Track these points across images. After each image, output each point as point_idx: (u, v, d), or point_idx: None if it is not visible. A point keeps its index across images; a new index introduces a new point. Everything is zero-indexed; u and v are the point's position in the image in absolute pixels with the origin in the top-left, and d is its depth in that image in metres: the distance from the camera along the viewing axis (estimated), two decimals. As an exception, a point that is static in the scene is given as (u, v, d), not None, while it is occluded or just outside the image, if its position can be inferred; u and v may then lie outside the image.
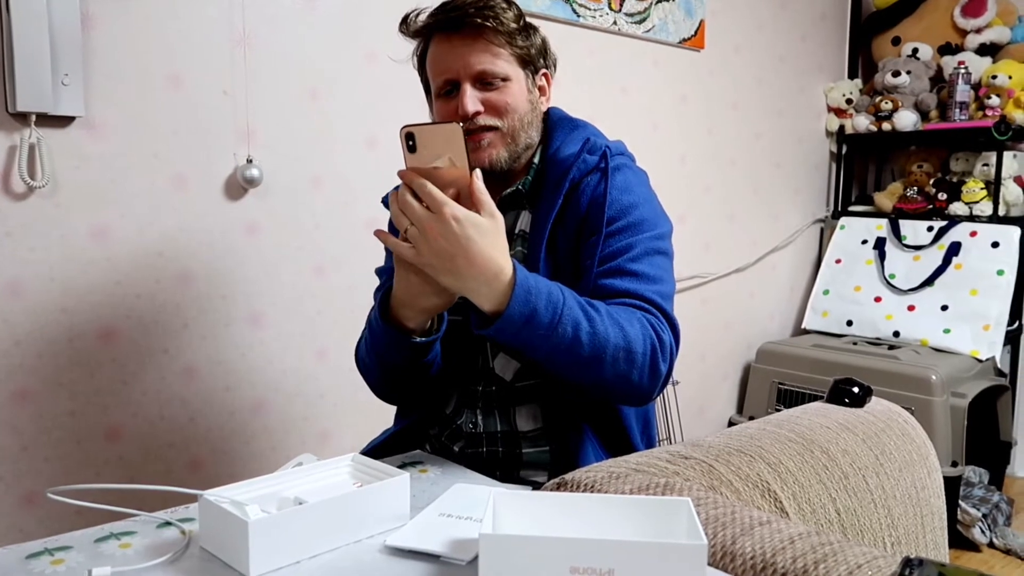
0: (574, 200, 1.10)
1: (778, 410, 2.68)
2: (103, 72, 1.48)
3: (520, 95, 1.11)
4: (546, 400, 1.12)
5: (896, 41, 3.10)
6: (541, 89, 1.17)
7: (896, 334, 2.76)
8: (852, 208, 3.19)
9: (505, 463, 1.14)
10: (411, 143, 0.90)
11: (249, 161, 1.66)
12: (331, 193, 1.80)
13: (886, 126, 2.99)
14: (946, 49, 2.97)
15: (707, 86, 2.69)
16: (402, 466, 1.01)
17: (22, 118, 1.39)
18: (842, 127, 3.16)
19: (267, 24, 1.68)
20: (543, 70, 1.17)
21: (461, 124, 0.85)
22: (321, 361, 1.84)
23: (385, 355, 1.05)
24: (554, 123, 1.18)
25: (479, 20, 1.06)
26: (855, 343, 2.75)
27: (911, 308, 2.77)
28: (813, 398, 2.56)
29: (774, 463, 0.98)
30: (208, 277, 1.65)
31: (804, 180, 3.17)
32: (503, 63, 1.09)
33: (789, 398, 2.69)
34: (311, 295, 1.80)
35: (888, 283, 2.85)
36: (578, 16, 2.24)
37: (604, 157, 1.11)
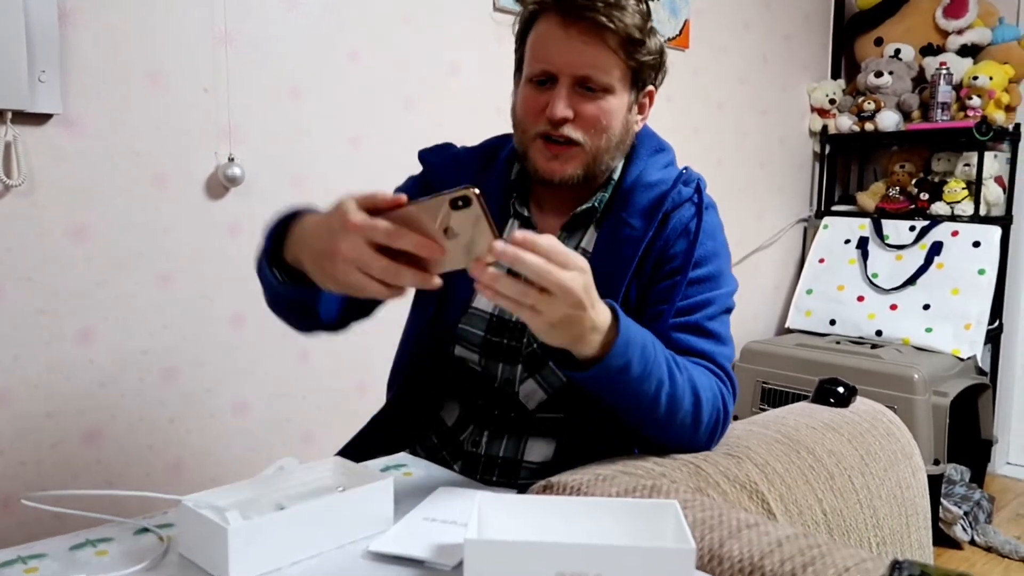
0: (660, 229, 1.03)
1: (763, 409, 2.69)
2: (81, 69, 1.45)
3: (618, 113, 1.01)
4: (564, 436, 1.07)
5: (879, 42, 3.12)
6: (641, 107, 1.06)
7: (879, 333, 2.77)
8: (835, 208, 3.21)
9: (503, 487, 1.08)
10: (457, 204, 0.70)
11: (231, 160, 1.63)
12: (313, 193, 1.78)
13: (869, 126, 3.00)
14: (928, 50, 2.99)
15: (692, 86, 2.69)
16: (385, 469, 1.00)
17: (-3, 115, 1.36)
18: (825, 127, 3.17)
19: (249, 21, 1.66)
20: (649, 86, 1.06)
21: (476, 192, 0.68)
22: (303, 362, 1.82)
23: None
24: (639, 140, 1.10)
25: (603, 19, 0.95)
26: (838, 342, 2.76)
27: (893, 307, 2.78)
28: (797, 397, 2.57)
29: (761, 464, 0.98)
30: (189, 277, 1.63)
31: (788, 180, 3.19)
32: (612, 74, 0.98)
33: (773, 397, 2.70)
34: (294, 295, 1.78)
35: (871, 282, 2.87)
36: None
37: (699, 191, 1.05)
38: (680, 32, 2.59)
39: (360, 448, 1.18)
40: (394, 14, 1.89)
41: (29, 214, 1.42)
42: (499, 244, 0.70)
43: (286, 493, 0.79)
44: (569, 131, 0.99)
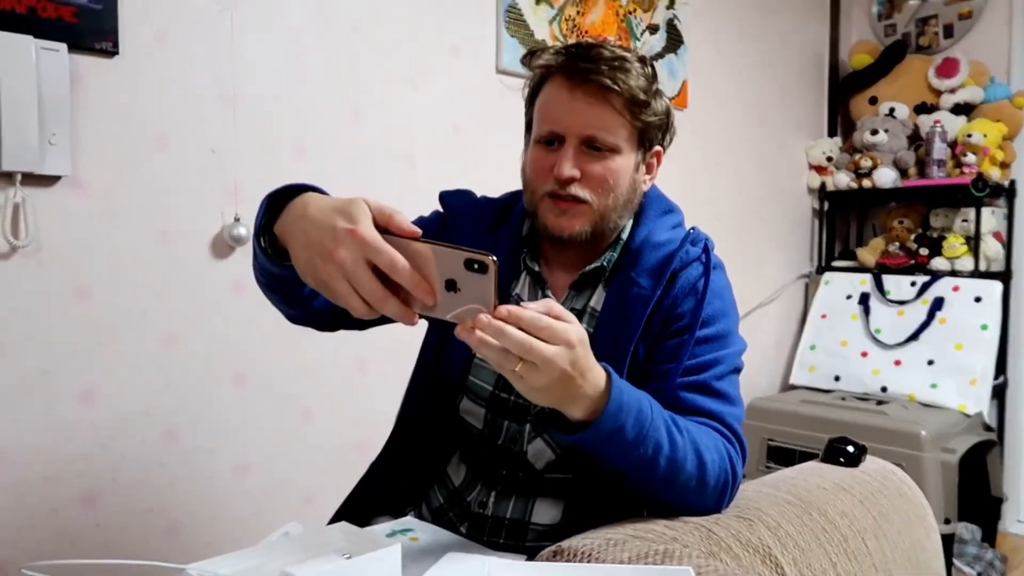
0: (668, 288, 1.04)
1: (769, 467, 2.65)
2: (91, 131, 1.47)
3: (624, 173, 1.02)
4: (573, 497, 1.05)
5: (873, 101, 3.18)
6: (648, 167, 1.08)
7: (884, 389, 2.75)
8: (836, 263, 3.22)
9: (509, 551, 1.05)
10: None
11: (236, 219, 1.65)
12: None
13: (866, 183, 3.04)
14: (922, 108, 3.04)
15: (691, 144, 2.73)
16: (392, 534, 0.98)
17: (7, 177, 1.38)
18: (823, 184, 3.21)
19: (255, 83, 1.69)
20: (657, 147, 1.08)
21: (495, 261, 0.68)
22: (305, 422, 1.80)
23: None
24: (648, 201, 1.11)
25: (608, 81, 0.96)
26: (843, 398, 2.74)
27: (897, 363, 2.77)
28: (804, 455, 2.54)
29: (773, 527, 0.96)
30: (192, 336, 1.62)
31: (788, 236, 3.21)
32: (618, 134, 1.00)
33: (780, 455, 2.67)
34: (295, 355, 1.77)
35: (874, 338, 2.86)
36: (563, 76, 2.28)
37: (706, 251, 1.06)
38: (679, 92, 2.64)
39: (361, 503, 1.15)
40: (397, 75, 1.93)
41: (35, 274, 1.42)
42: (483, 316, 0.71)
43: (291, 560, 0.78)
44: (576, 190, 1.00)
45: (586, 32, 2.33)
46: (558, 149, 1.01)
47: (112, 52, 1.48)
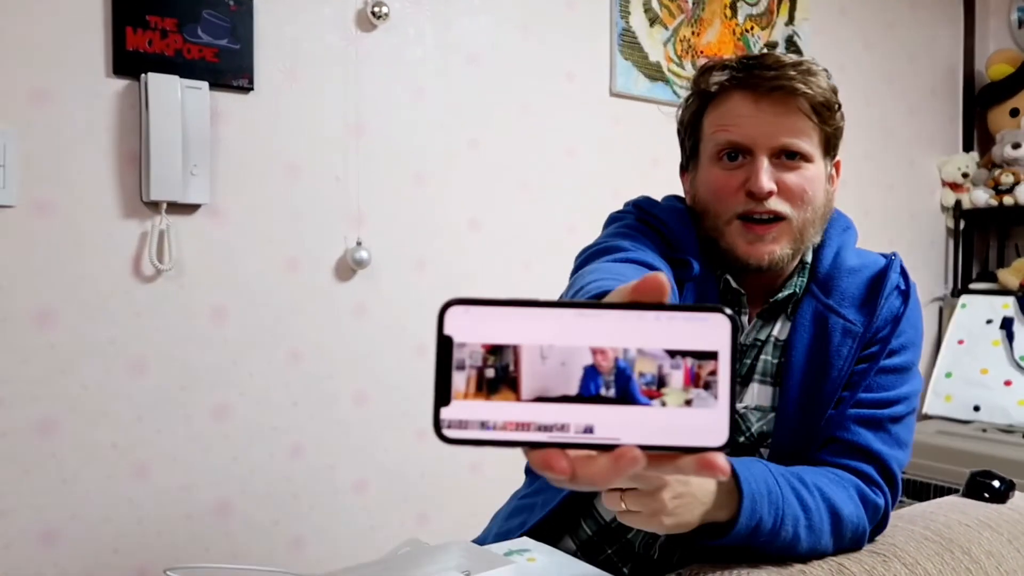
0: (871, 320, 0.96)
1: (901, 502, 2.50)
2: (228, 162, 1.57)
3: (819, 183, 0.95)
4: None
5: (1015, 112, 2.98)
6: (830, 179, 1.00)
7: (1031, 421, 2.55)
8: (973, 286, 3.02)
9: None
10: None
11: (358, 244, 1.71)
12: (434, 275, 1.83)
13: (1008, 200, 2.84)
14: (1070, 119, 2.83)
15: (812, 163, 2.63)
16: (508, 553, 0.98)
17: (154, 206, 1.49)
18: (959, 201, 3.02)
19: (379, 114, 1.76)
20: (837, 156, 1.01)
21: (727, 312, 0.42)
22: (421, 441, 1.84)
23: None
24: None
25: (798, 85, 0.90)
26: (984, 430, 2.55)
27: (1047, 393, 2.56)
28: (940, 490, 2.37)
29: (911, 564, 0.90)
30: (316, 356, 1.69)
31: (919, 257, 3.04)
32: (809, 141, 0.93)
33: (913, 489, 2.50)
34: (411, 376, 1.81)
35: (1019, 366, 2.65)
36: (678, 97, 2.25)
37: (904, 275, 0.98)
38: (798, 110, 2.56)
39: (509, 529, 1.08)
40: (512, 102, 1.96)
41: (176, 296, 1.53)
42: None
43: (412, 575, 0.79)
44: (775, 204, 0.92)
45: (701, 52, 2.30)
46: (742, 165, 0.93)
47: (248, 88, 1.58)
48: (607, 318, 0.38)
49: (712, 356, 0.38)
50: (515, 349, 0.38)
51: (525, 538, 1.04)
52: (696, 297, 0.96)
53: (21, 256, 1.38)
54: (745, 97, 0.93)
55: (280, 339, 1.64)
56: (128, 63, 1.45)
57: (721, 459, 0.38)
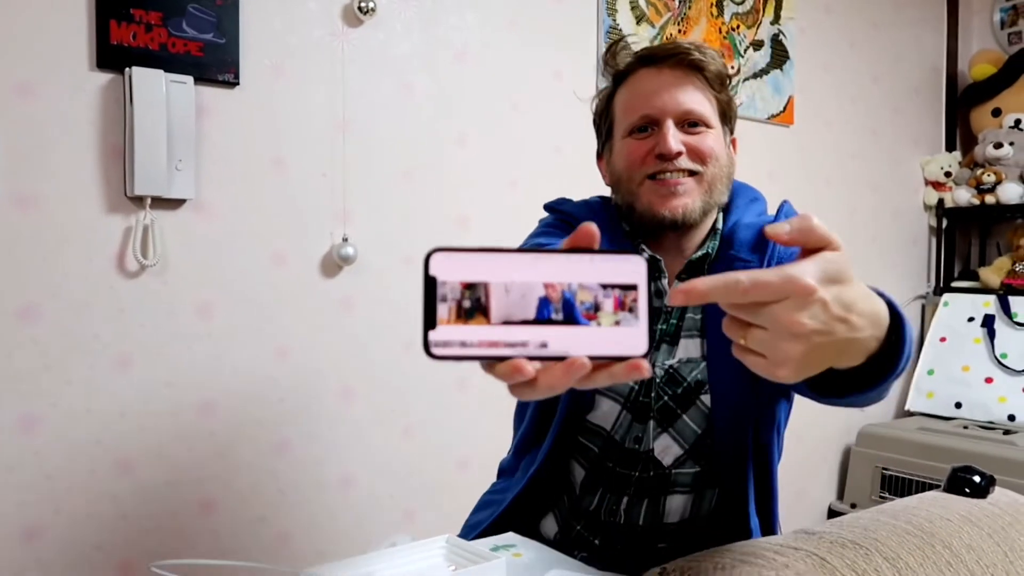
0: (769, 262, 1.03)
1: (883, 497, 2.52)
2: (213, 157, 1.56)
3: (721, 146, 1.04)
4: (701, 488, 1.05)
5: (996, 112, 3.00)
6: (731, 145, 1.11)
7: (1012, 418, 2.57)
8: (956, 284, 3.05)
9: (641, 559, 1.04)
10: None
11: (344, 240, 1.71)
12: (420, 272, 1.83)
13: (989, 199, 2.87)
14: (1051, 119, 2.86)
15: (797, 162, 2.65)
16: (495, 549, 0.98)
17: (138, 201, 1.48)
18: (941, 200, 3.05)
19: (366, 110, 1.75)
20: (732, 132, 1.11)
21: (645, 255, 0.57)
22: (408, 437, 1.84)
23: None
24: (735, 191, 1.13)
25: (695, 56, 1.01)
26: (966, 427, 2.58)
27: (1027, 390, 2.59)
28: (922, 486, 2.40)
29: (892, 558, 0.91)
30: (302, 352, 1.69)
31: (902, 255, 3.06)
32: (709, 109, 1.04)
33: (895, 484, 2.53)
34: (400, 371, 1.81)
35: (1000, 363, 2.68)
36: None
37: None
38: (784, 109, 2.57)
39: (496, 522, 1.12)
40: (500, 100, 1.96)
41: (160, 292, 1.52)
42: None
43: (399, 571, 0.79)
44: (684, 163, 1.01)
45: (688, 50, 2.31)
46: (651, 136, 1.02)
47: (233, 83, 1.57)
48: (555, 261, 0.49)
49: (634, 288, 0.49)
50: (486, 285, 0.48)
51: (511, 533, 1.05)
52: None
53: (4, 251, 1.37)
54: (649, 72, 1.04)
55: (266, 335, 1.64)
56: (112, 57, 1.44)
57: (644, 364, 0.48)
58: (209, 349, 1.57)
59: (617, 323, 0.48)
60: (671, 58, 1.02)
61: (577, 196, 2.13)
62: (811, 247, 0.54)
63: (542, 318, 0.48)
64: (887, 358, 0.63)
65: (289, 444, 1.67)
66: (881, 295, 0.63)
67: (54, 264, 1.42)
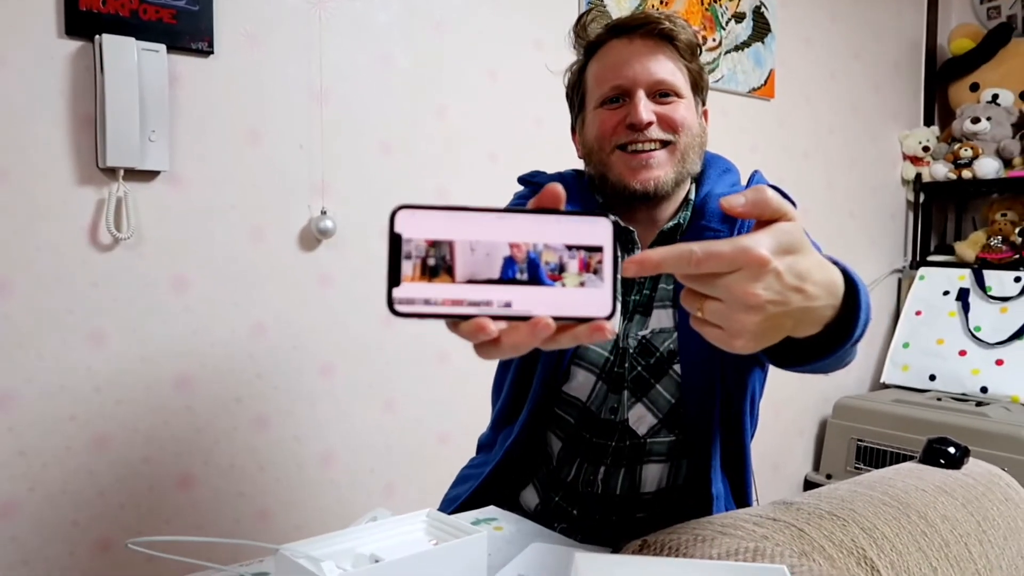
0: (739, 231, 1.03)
1: (858, 468, 2.56)
2: (187, 128, 1.53)
3: (692, 115, 1.04)
4: (677, 456, 1.07)
5: (974, 87, 3.02)
6: (703, 116, 1.11)
7: (984, 390, 2.62)
8: (931, 258, 3.08)
9: (620, 529, 1.06)
10: None
11: (323, 213, 1.68)
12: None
13: (966, 174, 2.89)
14: (1028, 94, 2.87)
15: (777, 135, 2.65)
16: (476, 522, 0.98)
17: (111, 173, 1.44)
18: (919, 175, 3.07)
19: (344, 81, 1.72)
20: (703, 103, 1.11)
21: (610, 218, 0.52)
22: (388, 412, 1.83)
23: None
24: (708, 162, 1.12)
25: (666, 25, 1.01)
26: (939, 399, 2.62)
27: (999, 362, 2.63)
28: (897, 457, 2.44)
29: (868, 528, 0.92)
30: (281, 327, 1.67)
31: (880, 230, 3.08)
32: (680, 79, 1.03)
33: (870, 456, 2.57)
34: (378, 348, 1.80)
35: (973, 336, 2.72)
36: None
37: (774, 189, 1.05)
38: (765, 82, 2.57)
39: (476, 496, 1.14)
40: (480, 70, 1.94)
41: (135, 266, 1.49)
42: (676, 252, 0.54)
43: (380, 545, 0.79)
44: (655, 133, 1.00)
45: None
46: (622, 106, 1.01)
47: (207, 52, 1.53)
48: (520, 220, 0.48)
49: (599, 249, 0.48)
50: (451, 244, 0.47)
51: (492, 507, 1.05)
52: None
53: (-29, 224, 1.34)
54: (620, 43, 1.04)
55: (243, 310, 1.62)
56: (81, 23, 1.39)
57: (608, 325, 0.48)
58: (185, 324, 1.55)
59: (582, 284, 0.48)
60: (641, 28, 1.02)
61: (557, 167, 2.12)
62: (766, 219, 0.54)
63: (507, 278, 0.47)
64: (844, 325, 0.64)
65: (268, 419, 1.66)
66: (836, 263, 0.64)
67: (25, 238, 1.38)
